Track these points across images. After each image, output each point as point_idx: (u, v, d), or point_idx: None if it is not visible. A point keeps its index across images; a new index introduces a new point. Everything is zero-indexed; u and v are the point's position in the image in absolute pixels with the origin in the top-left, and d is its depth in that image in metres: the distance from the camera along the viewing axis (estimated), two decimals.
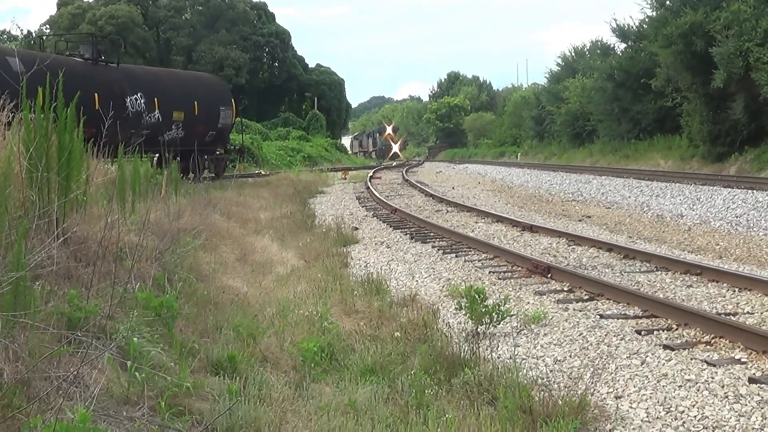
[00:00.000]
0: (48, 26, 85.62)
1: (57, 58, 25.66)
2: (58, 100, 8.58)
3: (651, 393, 7.30)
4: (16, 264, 5.67)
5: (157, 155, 27.46)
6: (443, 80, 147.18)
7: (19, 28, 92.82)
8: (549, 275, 12.73)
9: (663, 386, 7.44)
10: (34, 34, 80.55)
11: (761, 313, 10.00)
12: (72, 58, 27.74)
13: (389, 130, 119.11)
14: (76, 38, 44.95)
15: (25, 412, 4.70)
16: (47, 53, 29.67)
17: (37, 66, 9.65)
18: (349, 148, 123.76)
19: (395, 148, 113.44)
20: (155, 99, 29.88)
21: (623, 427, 6.69)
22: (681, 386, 7.40)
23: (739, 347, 8.45)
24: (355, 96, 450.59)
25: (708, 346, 8.62)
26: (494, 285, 12.49)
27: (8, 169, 7.10)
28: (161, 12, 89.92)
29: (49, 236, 7.33)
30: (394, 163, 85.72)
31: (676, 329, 9.33)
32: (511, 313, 9.79)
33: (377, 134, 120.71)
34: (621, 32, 54.02)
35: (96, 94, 24.69)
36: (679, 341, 8.83)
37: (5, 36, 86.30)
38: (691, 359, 8.13)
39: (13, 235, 6.48)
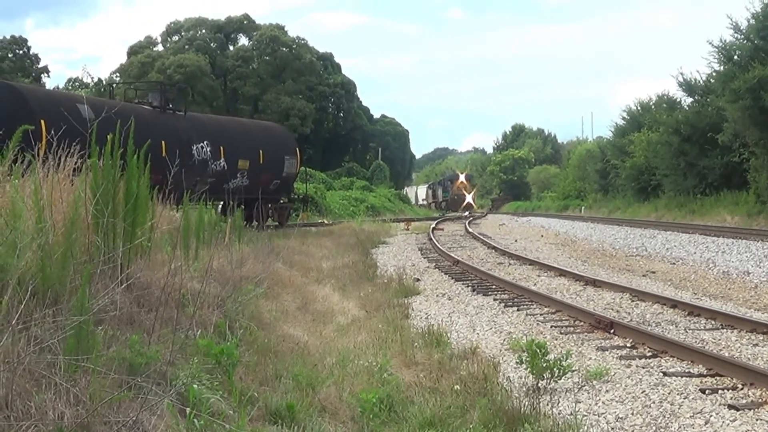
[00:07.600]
0: (118, 74, 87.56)
1: (125, 105, 26.08)
2: (126, 146, 8.70)
3: None
4: (79, 308, 5.73)
5: (221, 203, 27.73)
6: (508, 132, 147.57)
7: (90, 75, 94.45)
8: (612, 331, 12.57)
9: None
10: (104, 82, 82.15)
11: None
12: (140, 106, 28.22)
13: (462, 177, 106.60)
14: (144, 86, 45.74)
15: None
16: (116, 101, 30.14)
17: (106, 113, 9.78)
18: (421, 199, 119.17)
19: (468, 198, 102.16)
20: (221, 147, 30.23)
21: None
22: None
23: None
24: (419, 147, 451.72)
25: None
26: (556, 339, 12.36)
27: (75, 215, 7.19)
28: (229, 62, 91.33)
29: (113, 281, 7.40)
30: (467, 213, 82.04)
31: (742, 389, 9.14)
32: (573, 368, 9.69)
33: (448, 182, 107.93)
34: (688, 86, 53.74)
35: (163, 142, 24.99)
36: (744, 401, 8.65)
37: (77, 83, 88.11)
38: (757, 420, 7.95)
39: (77, 279, 6.54)
